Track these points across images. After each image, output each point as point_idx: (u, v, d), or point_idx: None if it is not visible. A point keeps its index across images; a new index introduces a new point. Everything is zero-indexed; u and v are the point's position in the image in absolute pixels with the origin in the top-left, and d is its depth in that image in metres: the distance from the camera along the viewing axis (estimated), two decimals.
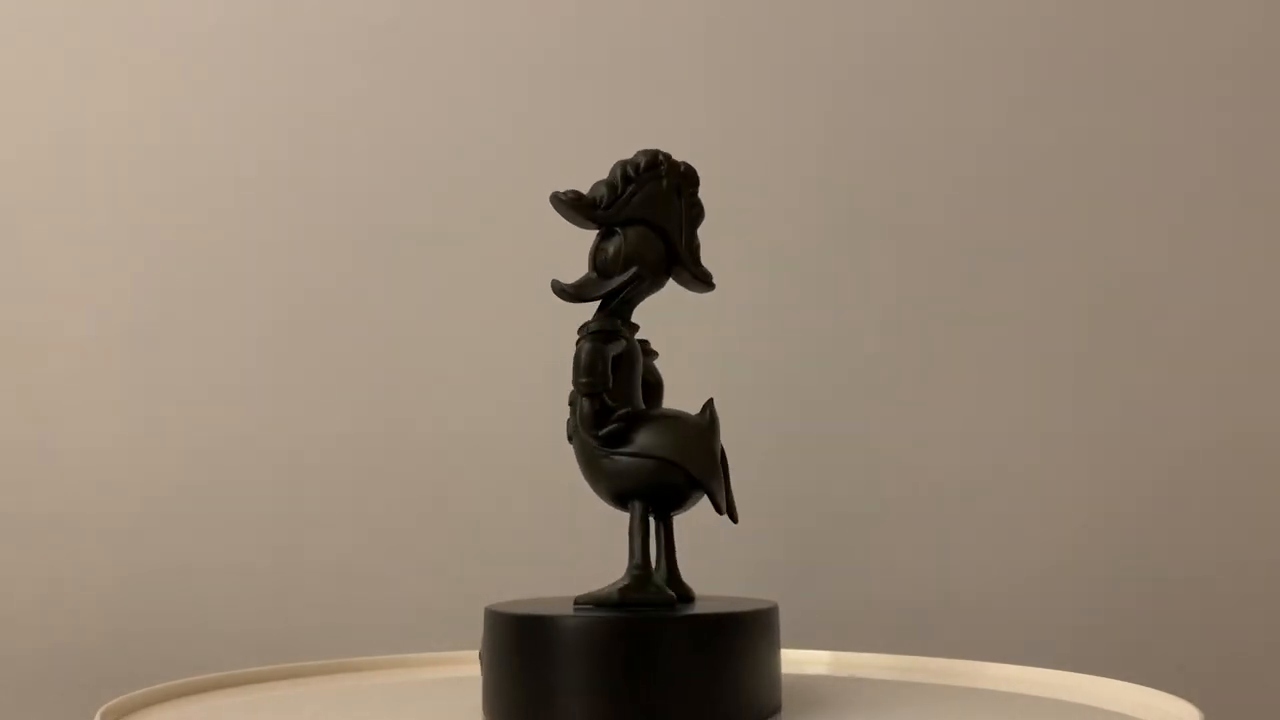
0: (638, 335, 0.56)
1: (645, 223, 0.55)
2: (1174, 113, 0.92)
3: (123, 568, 0.82)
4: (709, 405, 0.55)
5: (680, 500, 0.54)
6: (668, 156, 0.56)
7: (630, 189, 0.55)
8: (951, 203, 0.91)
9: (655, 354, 0.58)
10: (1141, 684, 0.57)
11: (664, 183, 0.55)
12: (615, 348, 0.54)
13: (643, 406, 0.55)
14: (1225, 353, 0.90)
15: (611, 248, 0.55)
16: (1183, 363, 0.90)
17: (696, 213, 0.57)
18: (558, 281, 0.54)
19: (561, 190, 0.54)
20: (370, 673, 0.67)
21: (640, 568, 0.52)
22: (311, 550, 0.84)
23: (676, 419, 0.54)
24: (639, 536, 0.53)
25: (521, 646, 0.50)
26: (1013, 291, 0.91)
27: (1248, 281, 0.91)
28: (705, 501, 0.54)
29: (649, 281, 0.55)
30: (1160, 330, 0.91)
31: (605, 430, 0.53)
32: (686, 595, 0.55)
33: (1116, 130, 0.92)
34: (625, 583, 0.52)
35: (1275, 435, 0.90)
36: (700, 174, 0.56)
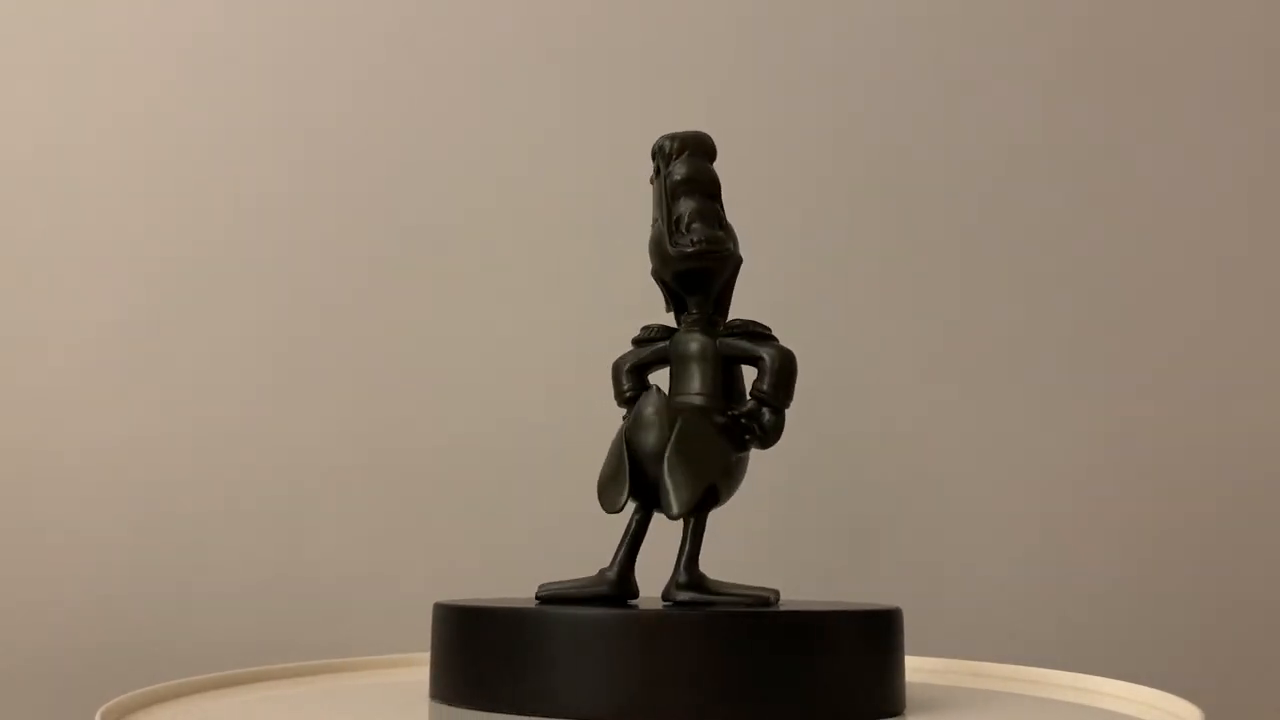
0: (741, 317, 0.55)
1: (655, 221, 0.55)
2: (1184, 116, 0.92)
3: (123, 568, 0.82)
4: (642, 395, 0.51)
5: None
6: (663, 142, 0.54)
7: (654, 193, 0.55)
8: (969, 202, 0.91)
9: (763, 333, 0.53)
10: (1142, 684, 0.57)
11: (654, 171, 0.54)
12: (635, 354, 0.56)
13: (722, 396, 0.53)
14: (1231, 353, 0.90)
15: None
16: (1189, 363, 0.90)
17: (675, 181, 0.52)
18: None
19: None
20: (370, 672, 0.67)
21: (608, 571, 0.52)
22: (312, 550, 0.84)
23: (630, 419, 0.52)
24: (623, 538, 0.53)
25: (440, 634, 0.53)
26: (1038, 289, 0.91)
27: (1259, 283, 0.91)
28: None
29: (684, 274, 0.54)
30: (1167, 332, 0.91)
31: None
32: (702, 596, 0.52)
33: (1136, 133, 0.92)
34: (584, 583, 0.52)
35: (1277, 436, 0.90)
36: (717, 172, 0.55)
